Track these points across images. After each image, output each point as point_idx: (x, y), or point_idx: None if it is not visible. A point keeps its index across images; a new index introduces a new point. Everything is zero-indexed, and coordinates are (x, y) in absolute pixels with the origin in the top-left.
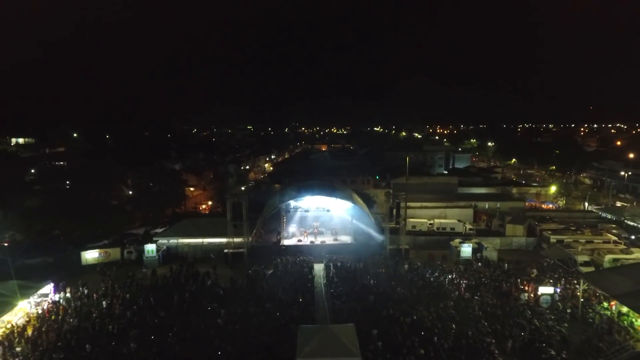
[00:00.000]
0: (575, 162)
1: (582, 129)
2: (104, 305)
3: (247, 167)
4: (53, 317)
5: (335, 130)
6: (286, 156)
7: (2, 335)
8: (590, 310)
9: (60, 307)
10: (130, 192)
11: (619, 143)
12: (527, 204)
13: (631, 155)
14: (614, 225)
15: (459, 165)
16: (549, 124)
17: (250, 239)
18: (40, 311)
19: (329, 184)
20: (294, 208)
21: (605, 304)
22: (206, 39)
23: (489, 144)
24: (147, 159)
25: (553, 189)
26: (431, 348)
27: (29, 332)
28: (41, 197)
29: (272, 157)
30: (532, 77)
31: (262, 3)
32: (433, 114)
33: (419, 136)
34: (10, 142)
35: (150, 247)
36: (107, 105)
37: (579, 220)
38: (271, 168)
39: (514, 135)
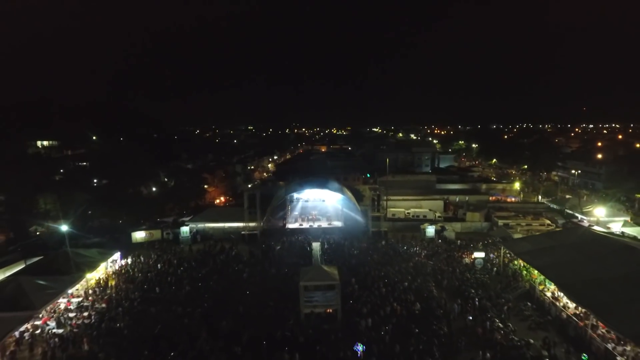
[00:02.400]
0: (544, 162)
1: (577, 129)
2: (159, 267)
3: (252, 167)
4: (124, 272)
5: (335, 131)
6: (288, 157)
7: (94, 284)
8: (509, 268)
9: (129, 267)
10: (154, 189)
11: (599, 144)
12: (493, 197)
13: (599, 156)
14: (556, 213)
15: (443, 164)
16: (547, 124)
17: (262, 223)
18: (116, 269)
19: (325, 180)
20: (296, 199)
21: (515, 262)
22: (207, 39)
23: (473, 145)
24: (165, 160)
25: (517, 185)
26: (390, 288)
27: (111, 282)
28: (89, 192)
29: (275, 157)
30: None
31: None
32: (433, 114)
33: (415, 137)
34: (36, 145)
35: (185, 229)
36: (120, 109)
37: (530, 210)
38: (274, 168)
39: (500, 137)
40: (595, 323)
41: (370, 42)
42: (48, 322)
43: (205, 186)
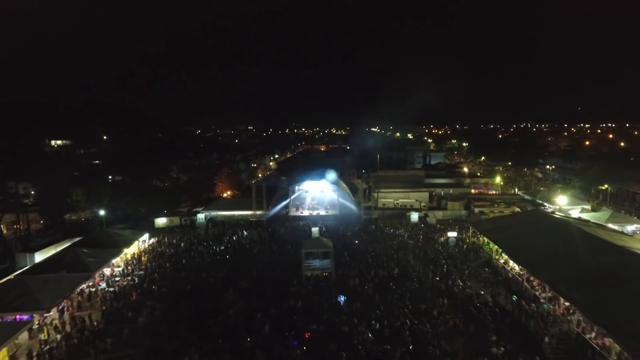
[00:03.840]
0: (526, 159)
1: (572, 129)
2: (182, 245)
3: (255, 165)
4: (153, 249)
5: (334, 131)
6: (288, 155)
7: (130, 257)
8: (475, 243)
9: (157, 245)
10: (166, 184)
11: (587, 142)
12: (475, 190)
13: (579, 153)
14: (528, 202)
15: (434, 161)
16: (545, 123)
17: (267, 211)
18: (146, 246)
19: (323, 173)
20: (297, 190)
21: (480, 238)
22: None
23: (464, 144)
24: (174, 158)
25: (498, 179)
26: (376, 259)
27: (144, 258)
28: (113, 186)
29: (276, 156)
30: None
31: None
32: (432, 115)
33: (411, 137)
34: (51, 144)
35: (201, 216)
36: (124, 110)
37: (505, 200)
38: (275, 166)
39: (495, 136)
40: (529, 278)
41: (370, 41)
42: (100, 283)
43: (215, 181)
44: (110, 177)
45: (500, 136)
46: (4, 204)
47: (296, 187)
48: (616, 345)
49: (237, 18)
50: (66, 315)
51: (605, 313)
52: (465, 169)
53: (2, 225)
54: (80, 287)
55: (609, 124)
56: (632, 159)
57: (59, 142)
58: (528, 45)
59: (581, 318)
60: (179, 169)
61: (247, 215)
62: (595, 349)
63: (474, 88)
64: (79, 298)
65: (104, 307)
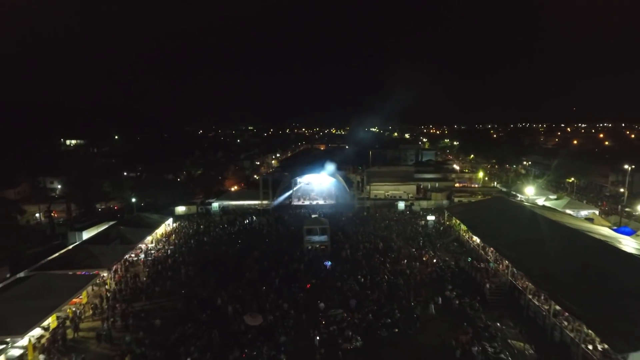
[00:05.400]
0: (510, 157)
1: (568, 129)
2: (201, 227)
3: (258, 162)
4: (178, 230)
5: (334, 131)
6: (289, 154)
7: (159, 236)
8: (448, 224)
9: (180, 227)
10: (178, 179)
11: (575, 142)
12: (459, 184)
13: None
14: (503, 193)
15: (425, 159)
16: (543, 123)
17: (273, 201)
18: (171, 228)
19: (322, 168)
20: (299, 182)
21: (453, 220)
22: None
23: (454, 143)
24: (184, 155)
25: (480, 174)
26: (365, 236)
27: (172, 237)
28: (134, 180)
29: (277, 155)
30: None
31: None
32: (432, 115)
33: (408, 136)
34: (66, 143)
35: (215, 205)
36: (129, 111)
37: (484, 192)
38: (277, 164)
39: (489, 136)
40: (484, 246)
41: (370, 40)
42: (139, 254)
43: (224, 175)
44: (125, 173)
45: (495, 136)
46: (40, 196)
47: (298, 180)
48: (531, 285)
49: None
50: (120, 273)
51: (526, 263)
52: (456, 166)
53: (41, 213)
54: (127, 255)
55: (605, 124)
56: (607, 155)
57: (73, 141)
58: (528, 47)
59: (515, 270)
60: (191, 165)
61: (254, 205)
62: (521, 290)
63: (474, 89)
64: (126, 263)
65: (146, 270)
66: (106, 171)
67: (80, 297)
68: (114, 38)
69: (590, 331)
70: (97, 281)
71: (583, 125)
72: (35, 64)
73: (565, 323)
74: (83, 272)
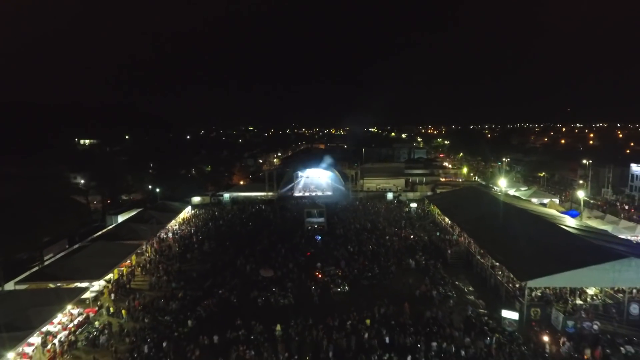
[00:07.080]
0: (493, 154)
1: (563, 129)
2: (216, 214)
3: (261, 161)
4: (197, 216)
5: (333, 131)
6: (290, 153)
7: (181, 220)
8: (427, 209)
9: (198, 214)
10: (189, 175)
11: (562, 141)
12: (445, 178)
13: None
14: (483, 186)
15: (416, 156)
16: (540, 123)
17: (277, 192)
18: (190, 214)
19: (321, 163)
20: (300, 176)
21: (431, 206)
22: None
23: (446, 142)
24: (191, 154)
25: (464, 170)
26: (361, 224)
27: (193, 221)
28: (151, 174)
29: (279, 154)
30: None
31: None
32: (431, 115)
33: (404, 136)
34: (80, 143)
35: (226, 195)
36: (134, 111)
37: (465, 185)
38: (279, 162)
39: (483, 136)
40: (452, 223)
41: (369, 43)
42: (167, 232)
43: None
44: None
45: (489, 135)
46: (72, 189)
47: (299, 174)
48: (480, 249)
49: (236, 18)
50: (156, 245)
51: (477, 232)
52: (446, 163)
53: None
54: (159, 233)
55: (601, 124)
56: (581, 153)
57: (87, 141)
58: (528, 48)
59: (470, 240)
60: (201, 162)
61: (261, 196)
62: (474, 254)
63: (475, 89)
64: (158, 239)
65: (176, 244)
66: (128, 167)
67: (129, 260)
68: (114, 39)
69: (511, 274)
70: (138, 250)
71: (579, 125)
72: (49, 65)
73: (500, 273)
74: (129, 242)
